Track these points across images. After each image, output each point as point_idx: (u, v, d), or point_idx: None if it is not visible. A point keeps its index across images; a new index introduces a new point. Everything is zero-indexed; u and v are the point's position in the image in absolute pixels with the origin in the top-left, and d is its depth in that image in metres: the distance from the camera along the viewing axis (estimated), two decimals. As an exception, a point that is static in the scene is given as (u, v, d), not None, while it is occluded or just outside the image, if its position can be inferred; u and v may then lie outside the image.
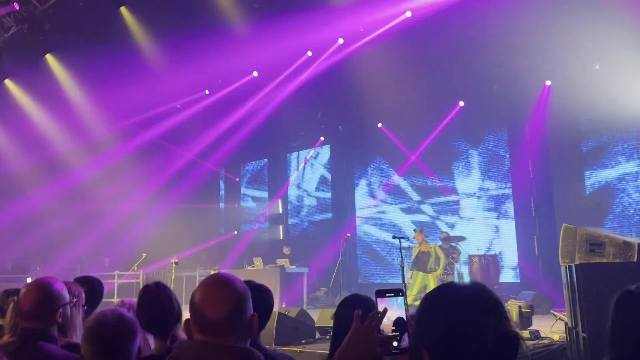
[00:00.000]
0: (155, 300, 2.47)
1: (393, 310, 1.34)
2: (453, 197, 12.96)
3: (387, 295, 1.34)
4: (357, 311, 1.39)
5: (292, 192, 16.49)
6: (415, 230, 10.84)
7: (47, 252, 13.90)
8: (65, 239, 13.66)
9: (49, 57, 12.06)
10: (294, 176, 16.44)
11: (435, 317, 1.19)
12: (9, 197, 13.51)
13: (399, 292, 1.36)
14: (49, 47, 11.53)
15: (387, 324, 1.34)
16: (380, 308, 1.33)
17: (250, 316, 1.60)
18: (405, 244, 8.71)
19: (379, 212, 14.40)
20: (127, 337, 1.91)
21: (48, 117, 13.40)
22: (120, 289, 11.99)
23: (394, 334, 1.32)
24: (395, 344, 1.31)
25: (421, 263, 10.25)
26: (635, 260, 5.21)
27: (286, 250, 13.05)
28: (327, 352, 2.46)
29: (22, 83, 12.85)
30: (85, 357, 1.90)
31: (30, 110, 13.22)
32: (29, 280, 12.48)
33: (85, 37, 11.04)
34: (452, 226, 12.71)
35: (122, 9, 10.80)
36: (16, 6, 10.12)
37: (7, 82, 12.89)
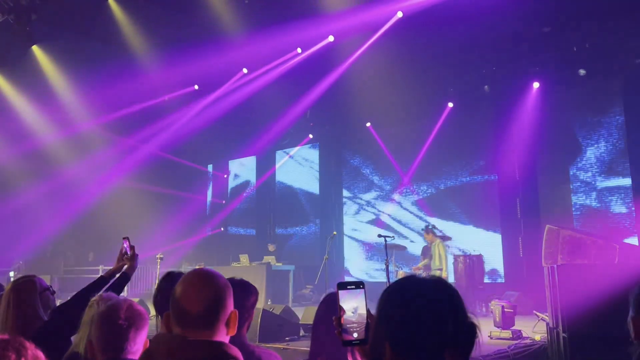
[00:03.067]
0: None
1: (354, 302, 1.38)
2: (439, 196, 13.02)
3: (348, 287, 1.39)
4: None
5: (280, 189, 16.46)
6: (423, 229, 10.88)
7: (30, 246, 13.73)
8: (49, 233, 13.51)
9: (35, 49, 11.90)
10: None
11: (395, 308, 1.23)
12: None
13: (359, 284, 1.41)
14: (35, 38, 11.36)
15: (349, 315, 1.37)
16: (342, 300, 1.38)
17: (231, 312, 1.61)
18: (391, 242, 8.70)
19: (366, 210, 14.44)
20: (135, 326, 1.97)
21: (33, 110, 13.22)
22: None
23: (353, 324, 1.36)
24: (355, 335, 1.35)
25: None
26: (616, 262, 5.30)
27: (271, 248, 13.04)
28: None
29: (8, 74, 12.66)
30: (93, 342, 1.96)
31: (15, 102, 13.02)
32: (12, 274, 12.35)
33: (72, 29, 10.90)
34: (436, 225, 12.75)
35: (110, 0, 10.68)
36: (2, -4, 9.95)
37: (-7, 72, 12.70)
